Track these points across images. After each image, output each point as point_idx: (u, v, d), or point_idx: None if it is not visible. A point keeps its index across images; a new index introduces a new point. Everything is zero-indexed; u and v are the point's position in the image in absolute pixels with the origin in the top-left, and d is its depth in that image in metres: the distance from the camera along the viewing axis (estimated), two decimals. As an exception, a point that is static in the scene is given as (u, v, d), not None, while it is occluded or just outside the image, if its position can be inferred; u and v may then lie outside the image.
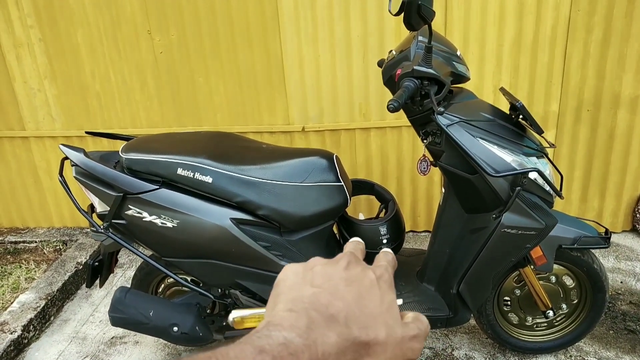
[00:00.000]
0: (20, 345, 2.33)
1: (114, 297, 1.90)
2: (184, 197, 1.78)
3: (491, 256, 1.73)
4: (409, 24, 1.43)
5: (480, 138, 1.61)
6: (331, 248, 1.99)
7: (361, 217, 2.21)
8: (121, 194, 1.78)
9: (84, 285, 2.83)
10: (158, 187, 1.78)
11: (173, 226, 1.77)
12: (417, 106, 1.61)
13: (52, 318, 2.57)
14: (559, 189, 1.72)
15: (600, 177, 2.89)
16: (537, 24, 2.62)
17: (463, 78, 1.71)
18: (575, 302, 2.04)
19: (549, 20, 2.61)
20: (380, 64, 2.01)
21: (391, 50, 1.85)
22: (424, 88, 1.54)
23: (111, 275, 2.23)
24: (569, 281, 2.01)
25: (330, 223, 1.90)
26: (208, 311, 2.08)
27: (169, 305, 1.92)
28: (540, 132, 1.66)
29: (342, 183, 1.86)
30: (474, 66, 2.72)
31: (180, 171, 1.76)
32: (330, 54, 2.76)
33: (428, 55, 1.50)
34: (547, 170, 1.72)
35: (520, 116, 1.70)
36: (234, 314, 0.48)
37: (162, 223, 1.77)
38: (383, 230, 1.96)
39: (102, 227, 1.84)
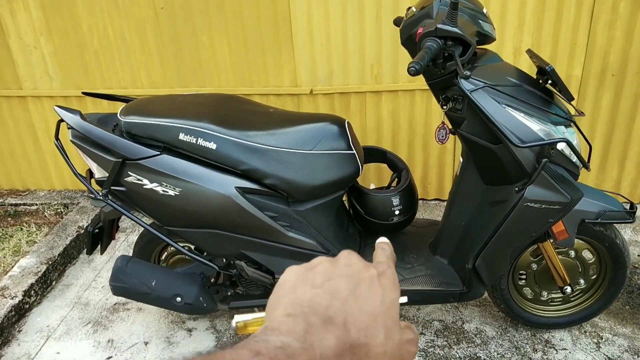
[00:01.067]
0: (21, 310, 2.29)
1: (115, 266, 1.84)
2: (186, 163, 1.68)
3: (511, 231, 1.64)
4: (434, -23, 1.29)
5: (506, 105, 1.48)
6: (340, 219, 1.91)
7: (372, 186, 2.11)
8: (120, 160, 1.68)
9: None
10: (159, 152, 1.68)
11: (175, 194, 1.68)
12: (439, 69, 1.48)
13: (53, 283, 2.53)
14: (586, 159, 1.61)
15: (621, 145, 2.77)
16: (565, -20, 2.44)
17: (488, 39, 1.57)
18: (593, 277, 1.96)
19: (577, -23, 2.43)
20: (397, 22, 1.87)
21: (410, 7, 1.70)
22: (447, 49, 1.41)
23: (113, 240, 2.16)
24: (588, 256, 1.92)
25: (341, 193, 1.81)
26: (212, 280, 2.02)
27: (171, 275, 1.86)
28: (570, 98, 1.53)
29: (354, 151, 1.76)
30: (494, 25, 2.56)
31: (182, 136, 1.66)
32: (341, 11, 2.59)
33: (453, 13, 1.36)
34: (575, 140, 1.60)
35: (549, 81, 1.57)
36: (237, 319, 0.46)
37: (163, 191, 1.68)
38: (395, 201, 1.87)
39: (100, 194, 1.75)
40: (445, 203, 3.05)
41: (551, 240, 1.78)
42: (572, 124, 1.61)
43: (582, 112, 1.63)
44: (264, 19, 2.66)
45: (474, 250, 1.73)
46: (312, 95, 2.81)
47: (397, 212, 1.88)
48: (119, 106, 1.85)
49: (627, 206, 1.80)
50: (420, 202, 3.03)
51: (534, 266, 1.92)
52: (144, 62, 2.86)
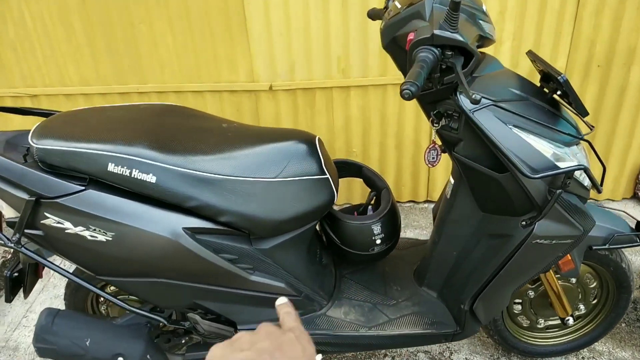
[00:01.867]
0: None
1: (38, 324, 1.49)
2: (119, 201, 1.33)
3: (517, 270, 1.40)
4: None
5: (514, 126, 1.22)
6: (312, 251, 1.62)
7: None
8: (34, 198, 1.32)
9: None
10: (83, 188, 1.33)
11: (107, 240, 1.34)
12: (435, 84, 1.19)
13: (-27, 324, 2.15)
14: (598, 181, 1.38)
15: (604, 140, 2.59)
16: (553, -38, 2.19)
17: (487, 41, 1.29)
18: (594, 302, 1.77)
19: (566, -42, 2.18)
20: (372, 15, 1.56)
21: (391, 0, 1.39)
22: (446, 60, 1.12)
23: (40, 279, 1.80)
24: (590, 281, 1.72)
25: (313, 224, 1.52)
26: (162, 325, 1.70)
27: (111, 329, 1.52)
28: (585, 114, 1.28)
29: (328, 175, 1.46)
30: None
31: (112, 167, 1.31)
32: (303, -4, 2.26)
33: (454, 15, 1.06)
34: (586, 159, 1.36)
35: (558, 92, 1.32)
36: None
37: (91, 236, 1.34)
38: (377, 229, 1.59)
39: (11, 240, 1.39)
40: (420, 205, 2.83)
41: (555, 271, 1.56)
42: (581, 141, 1.36)
43: (592, 126, 1.39)
44: (213, 4, 2.28)
45: (470, 290, 1.48)
46: (271, 91, 2.48)
47: (378, 242, 1.60)
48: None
49: (633, 224, 1.60)
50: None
51: (531, 293, 1.71)
52: (71, 55, 2.44)
